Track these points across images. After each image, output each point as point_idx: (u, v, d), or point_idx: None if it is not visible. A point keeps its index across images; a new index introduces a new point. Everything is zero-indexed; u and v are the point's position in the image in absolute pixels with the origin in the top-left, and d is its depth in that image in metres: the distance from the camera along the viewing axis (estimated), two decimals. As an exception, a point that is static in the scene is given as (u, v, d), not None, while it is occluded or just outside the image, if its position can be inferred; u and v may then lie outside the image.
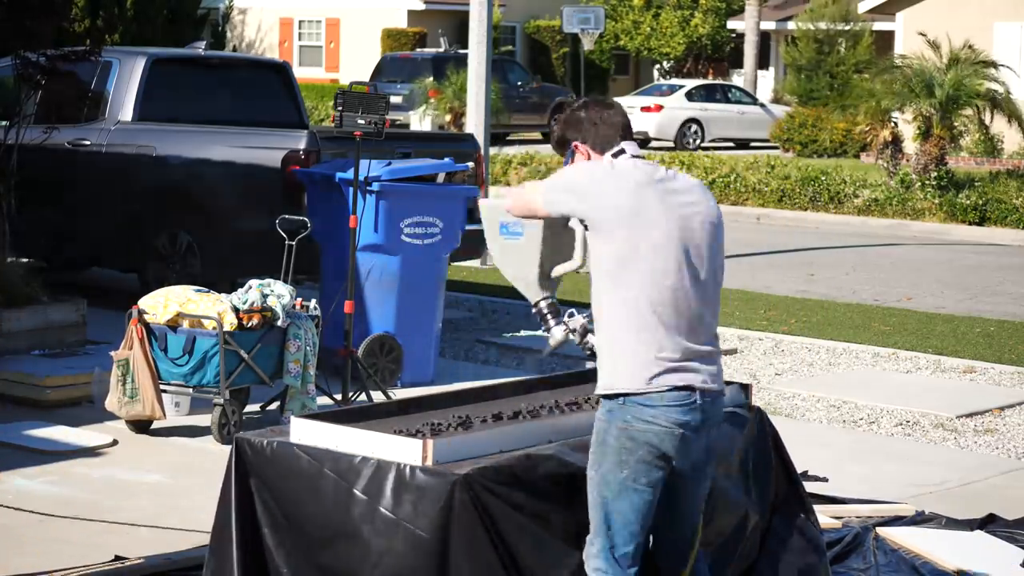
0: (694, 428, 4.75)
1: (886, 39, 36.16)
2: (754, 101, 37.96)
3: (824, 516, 6.83)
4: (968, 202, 22.28)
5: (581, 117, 4.96)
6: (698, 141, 36.23)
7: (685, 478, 4.86)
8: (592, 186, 4.76)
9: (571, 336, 5.13)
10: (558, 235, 5.17)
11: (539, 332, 12.19)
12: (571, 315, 5.16)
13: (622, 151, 4.88)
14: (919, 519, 7.27)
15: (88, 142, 12.00)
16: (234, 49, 37.51)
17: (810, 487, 6.78)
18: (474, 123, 16.46)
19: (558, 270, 5.23)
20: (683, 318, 4.72)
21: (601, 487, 4.79)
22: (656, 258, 4.69)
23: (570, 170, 4.90)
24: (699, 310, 4.76)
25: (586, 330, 5.09)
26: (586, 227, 4.83)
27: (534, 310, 5.20)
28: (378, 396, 8.92)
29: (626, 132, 4.94)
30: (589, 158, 4.94)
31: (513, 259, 5.26)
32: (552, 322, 5.16)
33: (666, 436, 4.71)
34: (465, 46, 18.53)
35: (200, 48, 13.13)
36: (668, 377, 4.70)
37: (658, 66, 47.50)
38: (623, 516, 4.78)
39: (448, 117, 31.55)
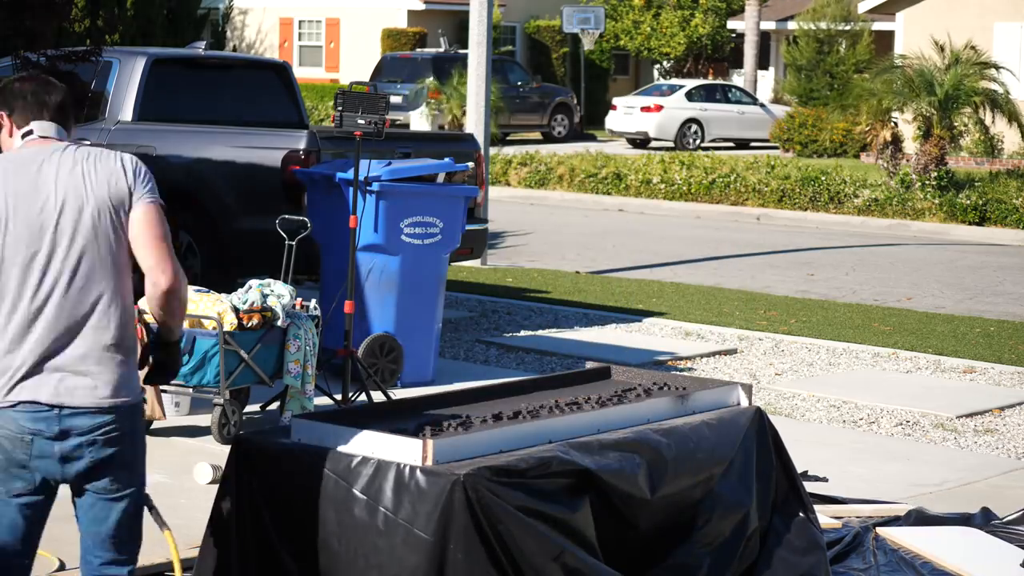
0: None
1: (886, 39, 36.16)
2: (754, 101, 37.95)
3: (824, 516, 6.83)
4: (968, 202, 22.28)
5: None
6: (698, 141, 36.22)
7: None
8: None
9: None
10: None
11: (539, 332, 12.20)
12: None
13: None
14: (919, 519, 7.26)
15: (88, 142, 11.98)
16: (234, 49, 37.50)
17: (810, 487, 6.78)
18: (474, 123, 16.46)
19: None
20: None
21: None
22: None
23: None
24: None
25: None
26: None
27: None
28: (378, 396, 8.91)
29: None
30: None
31: None
32: None
33: None
34: (465, 46, 18.53)
35: (200, 48, 13.11)
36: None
37: (658, 66, 47.50)
38: None
39: (448, 117, 31.56)
